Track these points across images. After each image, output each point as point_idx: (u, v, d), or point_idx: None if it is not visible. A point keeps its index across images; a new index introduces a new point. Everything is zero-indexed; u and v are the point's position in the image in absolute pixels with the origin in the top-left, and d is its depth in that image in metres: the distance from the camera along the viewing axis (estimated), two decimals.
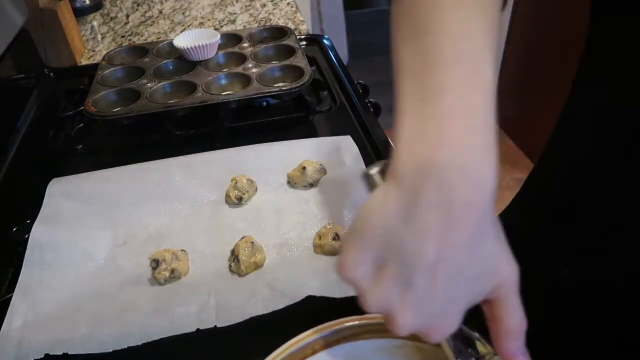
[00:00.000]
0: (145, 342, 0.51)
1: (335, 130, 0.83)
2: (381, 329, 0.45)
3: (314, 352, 0.44)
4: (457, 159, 0.28)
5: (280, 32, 1.05)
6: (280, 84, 0.89)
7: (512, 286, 0.33)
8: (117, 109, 0.85)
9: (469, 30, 0.30)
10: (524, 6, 2.25)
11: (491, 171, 0.28)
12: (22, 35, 0.96)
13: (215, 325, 0.53)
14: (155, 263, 0.59)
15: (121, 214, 0.69)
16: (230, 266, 0.61)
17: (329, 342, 0.45)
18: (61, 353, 0.50)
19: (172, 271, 0.59)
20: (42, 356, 0.50)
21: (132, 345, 0.51)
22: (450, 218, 0.28)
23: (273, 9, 1.36)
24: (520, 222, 0.57)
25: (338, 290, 0.54)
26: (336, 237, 0.61)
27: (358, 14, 3.71)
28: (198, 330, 0.52)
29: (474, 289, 0.32)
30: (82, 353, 0.51)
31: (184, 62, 0.95)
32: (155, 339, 0.52)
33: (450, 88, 0.29)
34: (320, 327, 0.45)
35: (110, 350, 0.51)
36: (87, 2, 1.40)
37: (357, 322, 0.45)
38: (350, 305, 0.46)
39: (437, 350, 0.43)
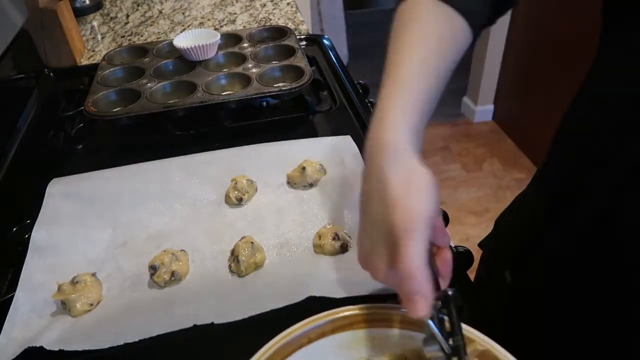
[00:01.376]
0: (142, 338, 0.51)
1: (335, 130, 0.83)
2: (375, 319, 0.46)
3: (309, 341, 0.45)
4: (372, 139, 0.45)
5: (280, 32, 1.05)
6: (280, 84, 0.89)
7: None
8: (117, 109, 0.85)
9: (404, 64, 0.48)
10: (523, 7, 2.25)
11: (381, 136, 0.44)
12: (22, 35, 0.96)
13: (213, 322, 0.53)
14: (153, 269, 0.59)
15: (121, 214, 0.69)
16: (230, 266, 0.61)
17: (325, 331, 0.45)
18: (57, 349, 0.50)
19: (172, 274, 0.59)
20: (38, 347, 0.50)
21: (129, 342, 0.51)
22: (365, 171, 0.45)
23: (273, 9, 1.36)
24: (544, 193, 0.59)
25: (338, 290, 0.54)
26: (336, 237, 0.61)
27: (358, 14, 3.71)
28: (195, 326, 0.52)
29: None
30: (79, 349, 0.51)
31: (184, 62, 0.95)
32: (153, 335, 0.52)
33: (380, 99, 0.48)
34: (316, 316, 0.45)
35: (107, 347, 0.51)
36: (87, 2, 1.40)
37: (352, 312, 0.46)
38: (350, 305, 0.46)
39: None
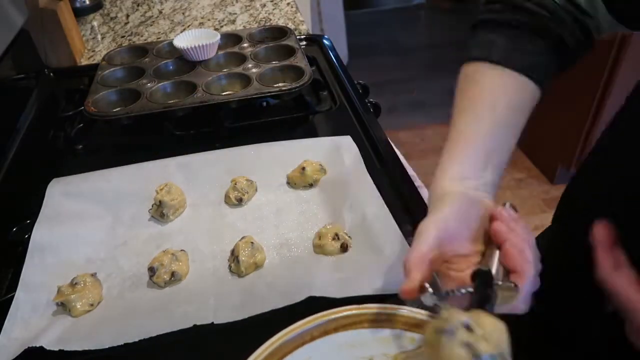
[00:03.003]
0: (142, 338, 0.51)
1: (335, 130, 0.83)
2: (378, 319, 0.46)
3: (312, 339, 0.45)
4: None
5: (280, 32, 1.05)
6: (280, 84, 0.89)
7: None
8: (117, 109, 0.85)
9: (466, 124, 0.50)
10: None
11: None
12: (22, 35, 0.96)
13: (213, 322, 0.53)
14: (152, 271, 0.59)
15: (121, 214, 0.69)
16: (230, 266, 0.61)
17: (327, 329, 0.45)
18: (57, 349, 0.50)
19: (172, 274, 0.59)
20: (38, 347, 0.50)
21: (129, 342, 0.51)
22: None
23: (273, 9, 1.36)
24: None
25: (338, 290, 0.54)
26: (336, 237, 0.61)
27: (358, 14, 3.71)
28: (195, 326, 0.52)
29: None
30: (79, 349, 0.51)
31: (184, 62, 0.95)
32: (152, 335, 0.52)
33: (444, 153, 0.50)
34: (319, 315, 0.45)
35: (107, 347, 0.51)
36: (87, 2, 1.40)
37: (355, 312, 0.46)
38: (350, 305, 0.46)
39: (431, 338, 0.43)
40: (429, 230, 0.43)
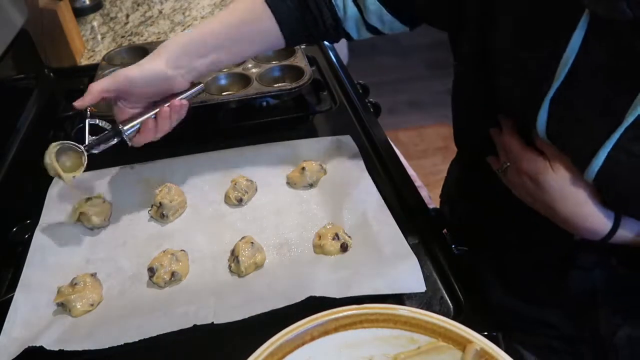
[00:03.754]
0: (142, 338, 0.51)
1: (335, 130, 0.83)
2: (378, 319, 0.46)
3: (312, 339, 0.45)
4: None
5: None
6: (280, 84, 0.89)
7: None
8: None
9: (205, 21, 0.70)
10: None
11: None
12: (22, 35, 0.96)
13: (213, 322, 0.53)
14: (151, 272, 0.59)
15: (121, 213, 0.69)
16: (230, 266, 0.61)
17: (328, 329, 0.45)
18: (57, 349, 0.50)
19: (172, 274, 0.59)
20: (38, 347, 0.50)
21: (129, 342, 0.51)
22: None
23: None
24: None
25: (338, 290, 0.54)
26: (336, 237, 0.61)
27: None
28: (195, 326, 0.52)
29: None
30: (79, 349, 0.51)
31: None
32: (152, 335, 0.52)
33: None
34: (319, 315, 0.45)
35: (107, 347, 0.51)
36: (87, 2, 1.39)
37: (355, 312, 0.46)
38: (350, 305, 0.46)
39: (430, 341, 0.44)
40: (119, 78, 0.61)
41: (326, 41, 0.74)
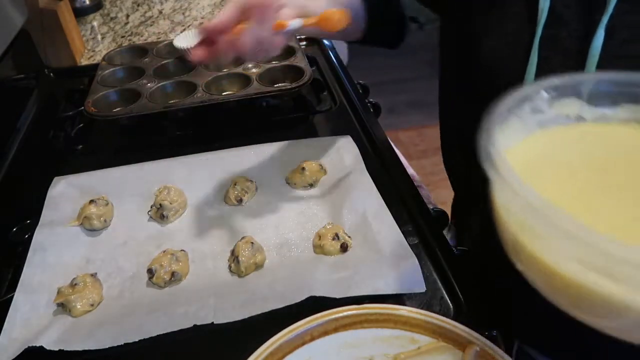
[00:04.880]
0: (142, 338, 0.51)
1: (335, 130, 0.83)
2: (378, 319, 0.46)
3: (312, 339, 0.45)
4: None
5: None
6: (280, 84, 0.89)
7: None
8: (117, 109, 0.85)
9: None
10: None
11: None
12: (22, 36, 0.96)
13: (213, 322, 0.53)
14: (150, 273, 0.59)
15: (121, 213, 0.69)
16: (230, 266, 0.61)
17: (328, 329, 0.45)
18: (57, 349, 0.50)
19: (172, 274, 0.59)
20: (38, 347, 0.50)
21: (129, 342, 0.51)
22: None
23: None
24: None
25: (338, 290, 0.54)
26: (336, 237, 0.61)
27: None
28: (195, 326, 0.52)
29: None
30: (79, 349, 0.51)
31: (184, 62, 0.95)
32: (152, 335, 0.52)
33: None
34: (319, 315, 0.45)
35: (107, 347, 0.51)
36: (87, 2, 1.40)
37: (355, 312, 0.46)
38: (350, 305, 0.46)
39: (430, 341, 0.44)
40: None
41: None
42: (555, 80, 0.39)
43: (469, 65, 0.60)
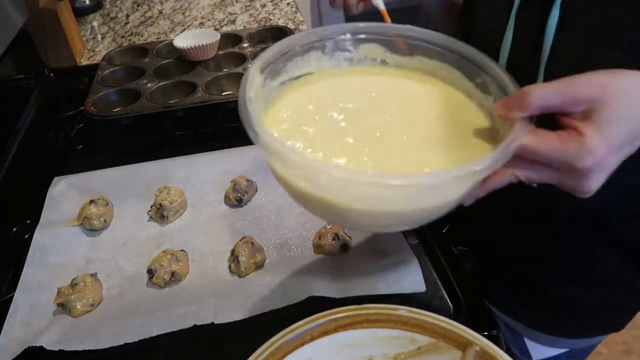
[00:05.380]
0: (142, 338, 0.51)
1: None
2: (378, 319, 0.46)
3: (312, 339, 0.45)
4: None
5: (280, 32, 1.05)
6: None
7: None
8: (117, 109, 0.85)
9: None
10: None
11: None
12: (22, 36, 0.96)
13: (213, 322, 0.53)
14: (150, 273, 0.59)
15: (121, 213, 0.69)
16: (230, 266, 0.61)
17: (327, 329, 0.45)
18: (57, 349, 0.50)
19: (172, 274, 0.59)
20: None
21: (129, 342, 0.51)
22: None
23: (273, 9, 1.37)
24: None
25: (338, 290, 0.54)
26: (336, 237, 0.61)
27: (358, 14, 3.70)
28: (195, 326, 0.52)
29: None
30: (79, 349, 0.51)
31: (184, 62, 0.95)
32: (153, 335, 0.52)
33: None
34: (319, 315, 0.45)
35: (107, 347, 0.51)
36: (87, 2, 1.40)
37: (355, 312, 0.46)
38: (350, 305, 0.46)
39: (430, 341, 0.44)
40: None
41: None
42: (360, 25, 0.48)
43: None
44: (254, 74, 0.46)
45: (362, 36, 0.49)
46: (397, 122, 0.46)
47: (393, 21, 0.65)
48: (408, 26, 0.49)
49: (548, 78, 0.48)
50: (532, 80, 0.52)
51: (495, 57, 0.53)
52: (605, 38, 0.49)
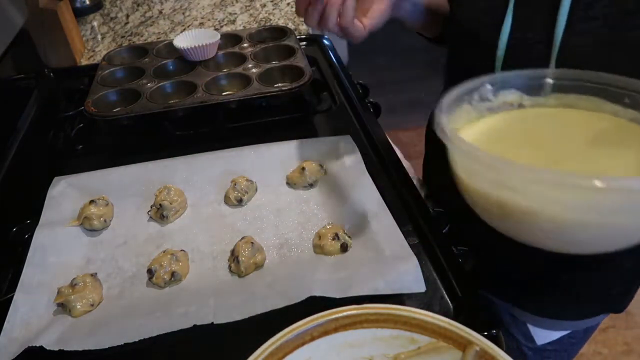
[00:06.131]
0: (142, 338, 0.51)
1: (335, 130, 0.83)
2: (378, 319, 0.46)
3: (312, 339, 0.45)
4: None
5: (280, 32, 1.05)
6: (280, 84, 0.89)
7: None
8: (117, 109, 0.85)
9: None
10: None
11: None
12: (22, 36, 0.96)
13: (213, 322, 0.53)
14: (150, 273, 0.59)
15: (121, 213, 0.69)
16: (230, 267, 0.61)
17: (327, 329, 0.45)
18: (57, 349, 0.50)
19: (172, 274, 0.59)
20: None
21: (129, 342, 0.51)
22: None
23: (273, 9, 1.37)
24: None
25: (338, 290, 0.54)
26: (336, 237, 0.61)
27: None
28: (195, 326, 0.52)
29: None
30: (79, 349, 0.51)
31: (184, 62, 0.95)
32: (153, 335, 0.52)
33: None
34: (318, 315, 0.45)
35: (107, 347, 0.51)
36: (87, 2, 1.40)
37: (355, 312, 0.46)
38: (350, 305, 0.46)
39: (430, 341, 0.44)
40: None
41: None
42: (496, 76, 0.51)
43: (454, 38, 0.67)
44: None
45: (497, 85, 0.52)
46: (574, 149, 0.47)
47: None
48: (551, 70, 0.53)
49: (561, 61, 0.53)
50: (541, 65, 0.55)
51: (492, 45, 0.59)
52: (628, 17, 0.51)
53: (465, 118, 0.51)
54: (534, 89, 0.52)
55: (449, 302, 0.56)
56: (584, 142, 0.48)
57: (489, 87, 0.51)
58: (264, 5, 1.39)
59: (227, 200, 0.70)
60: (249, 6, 1.40)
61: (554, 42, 0.55)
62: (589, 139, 0.48)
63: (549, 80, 0.51)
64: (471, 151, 0.40)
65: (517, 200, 0.39)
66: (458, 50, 0.71)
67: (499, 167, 0.38)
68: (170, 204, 0.67)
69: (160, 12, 1.39)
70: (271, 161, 0.75)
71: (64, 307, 0.56)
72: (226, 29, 1.28)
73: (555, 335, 0.78)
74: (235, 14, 1.36)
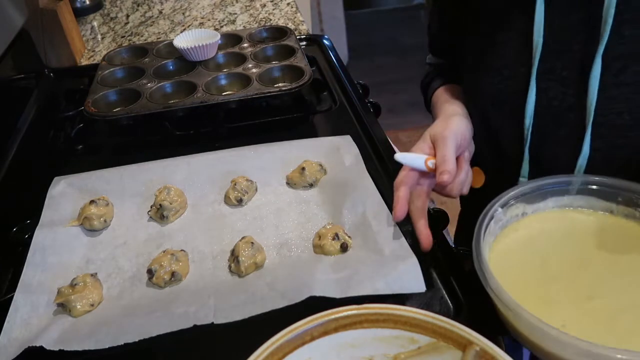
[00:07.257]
0: (142, 338, 0.51)
1: (335, 130, 0.83)
2: (378, 319, 0.46)
3: (312, 339, 0.45)
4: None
5: (280, 32, 1.05)
6: (280, 84, 0.89)
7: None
8: (117, 109, 0.86)
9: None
10: None
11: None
12: (22, 36, 0.96)
13: (213, 322, 0.53)
14: (150, 273, 0.59)
15: (121, 213, 0.69)
16: (230, 266, 0.61)
17: (328, 329, 0.45)
18: (57, 349, 0.50)
19: (172, 274, 0.59)
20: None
21: (129, 342, 0.51)
22: None
23: (273, 9, 1.37)
24: None
25: (338, 290, 0.54)
26: (336, 237, 0.61)
27: (358, 14, 3.71)
28: (195, 326, 0.52)
29: None
30: (79, 349, 0.51)
31: (184, 62, 0.95)
32: (153, 335, 0.52)
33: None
34: (318, 315, 0.45)
35: (107, 347, 0.51)
36: (87, 2, 1.40)
37: (355, 312, 0.46)
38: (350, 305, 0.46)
39: (430, 341, 0.44)
40: (450, 137, 0.59)
41: None
42: (504, 195, 0.55)
43: (476, 98, 0.67)
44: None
45: (512, 202, 0.56)
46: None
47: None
48: (532, 182, 0.57)
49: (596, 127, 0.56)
50: (579, 131, 0.58)
51: (517, 114, 0.61)
52: None
53: (487, 246, 0.54)
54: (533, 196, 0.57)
55: (449, 302, 0.56)
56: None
57: (499, 209, 0.55)
58: (264, 5, 1.39)
59: (227, 200, 0.70)
60: (249, 6, 1.40)
61: (587, 109, 0.56)
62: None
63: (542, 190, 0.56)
64: (535, 324, 0.43)
65: (558, 351, 0.43)
66: (484, 118, 0.69)
67: (564, 340, 0.41)
68: (170, 204, 0.67)
69: (160, 12, 1.39)
70: (271, 161, 0.75)
71: (64, 307, 0.56)
72: (226, 29, 1.28)
73: None
74: (235, 14, 1.36)
